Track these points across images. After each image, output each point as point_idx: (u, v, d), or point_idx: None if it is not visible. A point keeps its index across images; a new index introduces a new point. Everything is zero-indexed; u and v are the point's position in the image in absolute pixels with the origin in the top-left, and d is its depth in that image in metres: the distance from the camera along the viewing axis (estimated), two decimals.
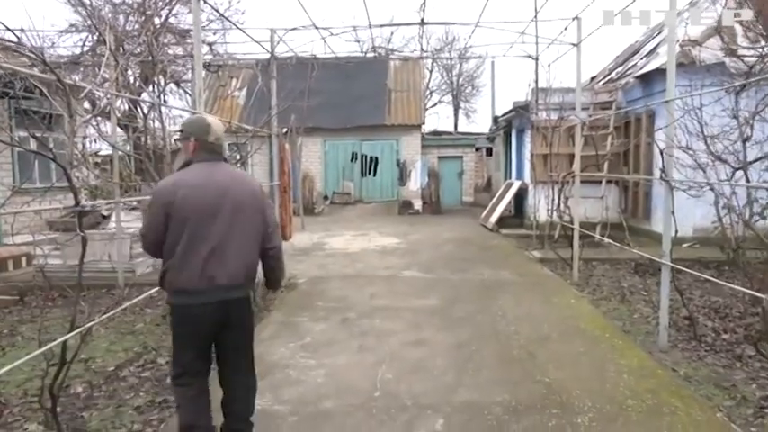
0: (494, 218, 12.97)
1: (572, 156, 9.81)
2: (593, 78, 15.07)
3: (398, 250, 10.22)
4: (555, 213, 8.78)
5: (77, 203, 2.70)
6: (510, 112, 13.76)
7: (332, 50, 10.54)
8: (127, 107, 23.89)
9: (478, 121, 45.27)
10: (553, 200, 8.76)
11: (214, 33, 24.08)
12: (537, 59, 9.73)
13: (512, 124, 14.86)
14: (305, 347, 4.81)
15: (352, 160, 19.00)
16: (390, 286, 7.18)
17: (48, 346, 2.95)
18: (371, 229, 13.39)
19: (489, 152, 28.07)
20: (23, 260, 8.61)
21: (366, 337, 5.05)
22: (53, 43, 12.11)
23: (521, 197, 13.06)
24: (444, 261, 8.97)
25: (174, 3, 21.49)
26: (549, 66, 9.37)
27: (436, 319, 5.62)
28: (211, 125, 2.76)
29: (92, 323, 3.70)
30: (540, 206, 10.23)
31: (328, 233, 12.76)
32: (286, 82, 19.49)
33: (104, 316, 4.08)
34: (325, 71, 20.94)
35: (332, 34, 8.58)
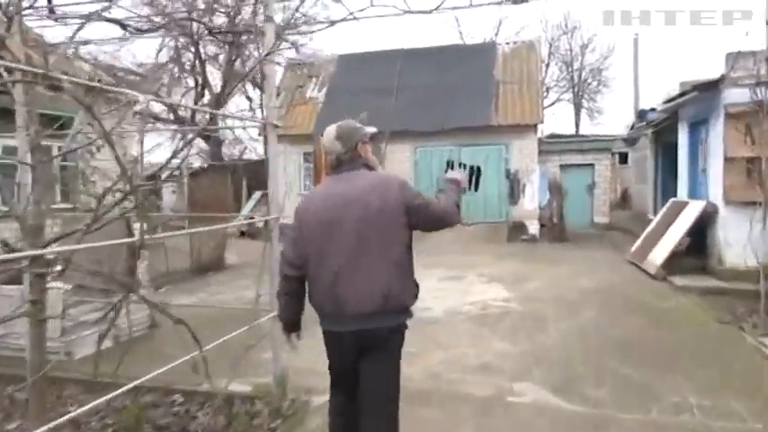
0: (658, 256, 8.51)
1: None
2: None
3: (508, 316, 6.31)
4: None
5: None
6: (680, 95, 9.19)
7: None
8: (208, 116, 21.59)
9: (606, 123, 39.15)
10: None
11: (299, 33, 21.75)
12: None
13: (678, 116, 10.22)
14: None
15: (446, 171, 15.21)
16: None
17: None
18: (470, 268, 9.55)
19: (623, 159, 22.90)
20: None
21: None
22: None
23: (701, 226, 8.43)
24: (592, 354, 4.92)
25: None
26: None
27: None
28: (323, 136, 2.53)
29: None
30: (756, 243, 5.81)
31: None
32: (366, 77, 16.15)
33: None
34: (415, 62, 17.42)
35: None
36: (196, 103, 22.29)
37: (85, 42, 6.65)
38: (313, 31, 17.82)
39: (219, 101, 21.90)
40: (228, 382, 3.55)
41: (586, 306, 6.69)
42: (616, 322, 5.97)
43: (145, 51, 35.99)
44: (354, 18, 5.93)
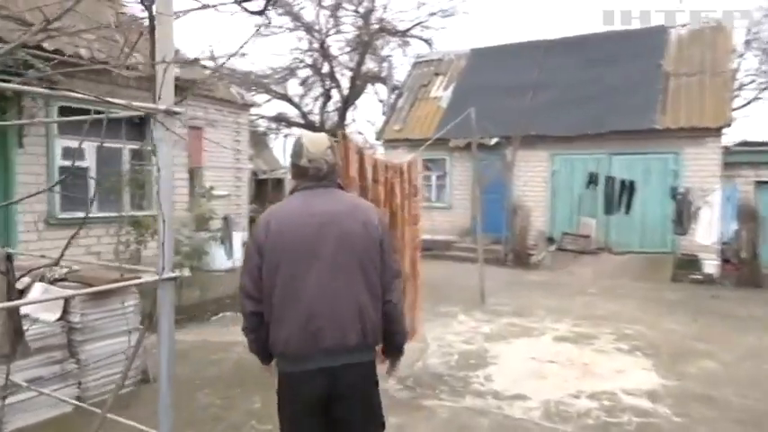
0: None
1: None
2: None
3: None
4: None
5: None
6: None
7: None
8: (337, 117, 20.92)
9: None
10: None
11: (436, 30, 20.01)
12: None
13: None
14: None
15: (588, 185, 12.20)
16: None
17: None
18: (608, 321, 6.94)
19: None
20: None
21: None
22: None
23: None
24: None
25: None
26: None
27: None
28: (305, 145, 2.19)
29: None
30: None
31: (518, 320, 6.86)
32: (501, 73, 13.84)
33: None
34: (560, 54, 14.57)
35: None
36: (325, 105, 21.86)
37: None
38: None
39: (347, 102, 21.20)
40: None
41: None
42: None
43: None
44: None
